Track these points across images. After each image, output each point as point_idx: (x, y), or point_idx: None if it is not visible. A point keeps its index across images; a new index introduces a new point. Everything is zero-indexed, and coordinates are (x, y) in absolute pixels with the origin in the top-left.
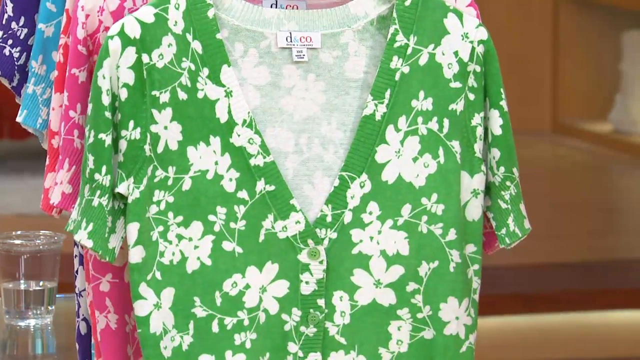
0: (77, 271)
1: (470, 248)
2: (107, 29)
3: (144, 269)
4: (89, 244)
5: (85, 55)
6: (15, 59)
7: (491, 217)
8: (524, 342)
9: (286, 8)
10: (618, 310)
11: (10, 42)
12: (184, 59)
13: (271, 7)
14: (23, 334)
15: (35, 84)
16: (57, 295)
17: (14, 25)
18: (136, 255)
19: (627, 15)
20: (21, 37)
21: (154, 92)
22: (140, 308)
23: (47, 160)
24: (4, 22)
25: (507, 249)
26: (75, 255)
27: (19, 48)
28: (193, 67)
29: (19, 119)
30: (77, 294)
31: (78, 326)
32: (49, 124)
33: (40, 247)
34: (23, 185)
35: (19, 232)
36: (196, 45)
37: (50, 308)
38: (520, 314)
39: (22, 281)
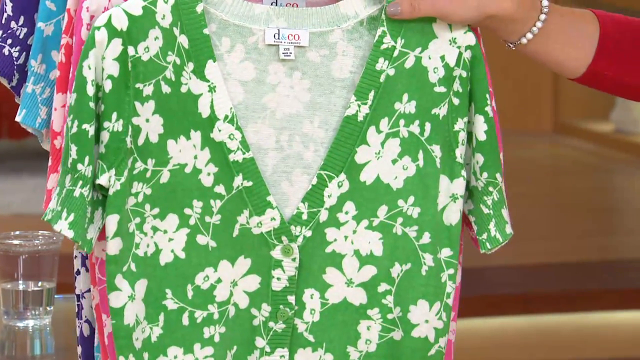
0: (77, 272)
1: (446, 252)
2: None
3: (121, 260)
4: (70, 234)
5: None
6: (14, 58)
7: (473, 222)
8: (524, 343)
9: (286, 6)
10: (619, 310)
11: (9, 41)
12: (169, 52)
13: (271, 4)
14: (21, 335)
15: (34, 83)
16: (55, 296)
17: (13, 24)
18: (114, 247)
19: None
20: (20, 37)
21: (137, 85)
22: (115, 299)
23: (50, 161)
24: (3, 21)
25: (488, 253)
26: (75, 256)
27: (18, 47)
28: (178, 61)
29: (18, 118)
30: (78, 295)
31: (81, 328)
32: (51, 124)
33: (39, 247)
34: (22, 185)
35: (17, 232)
36: (183, 40)
37: (48, 309)
38: (521, 314)
39: (20, 281)
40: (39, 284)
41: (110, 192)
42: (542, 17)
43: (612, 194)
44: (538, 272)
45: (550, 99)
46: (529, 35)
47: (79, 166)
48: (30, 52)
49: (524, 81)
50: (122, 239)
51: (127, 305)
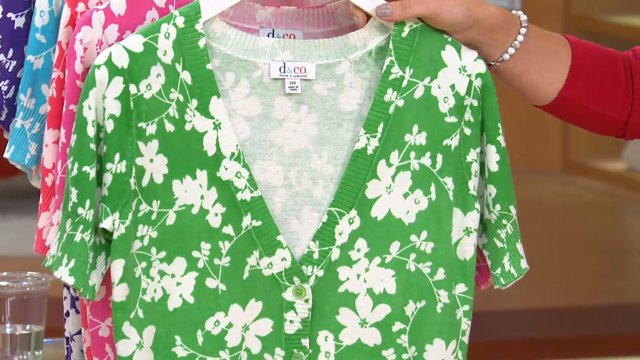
0: (66, 314)
1: (461, 288)
2: None
3: (127, 307)
4: (71, 281)
5: None
6: (3, 92)
7: (487, 256)
8: None
9: (283, 37)
10: (632, 357)
11: None
12: (172, 89)
13: (268, 35)
14: None
15: (23, 118)
16: (44, 340)
17: (1, 57)
18: (120, 293)
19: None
20: (9, 70)
21: (140, 124)
22: (124, 348)
23: (41, 199)
24: None
25: (502, 289)
26: (65, 297)
27: (7, 81)
28: (182, 98)
29: (6, 155)
30: (68, 338)
31: None
32: (42, 161)
33: (27, 288)
34: (8, 225)
35: (4, 274)
36: (185, 76)
37: (37, 353)
38: None
39: (7, 325)
40: (27, 327)
41: (115, 236)
42: (523, 30)
43: (624, 234)
44: (546, 315)
45: (559, 136)
46: (511, 50)
47: (80, 210)
48: (20, 86)
49: (532, 118)
50: (128, 284)
51: (135, 354)
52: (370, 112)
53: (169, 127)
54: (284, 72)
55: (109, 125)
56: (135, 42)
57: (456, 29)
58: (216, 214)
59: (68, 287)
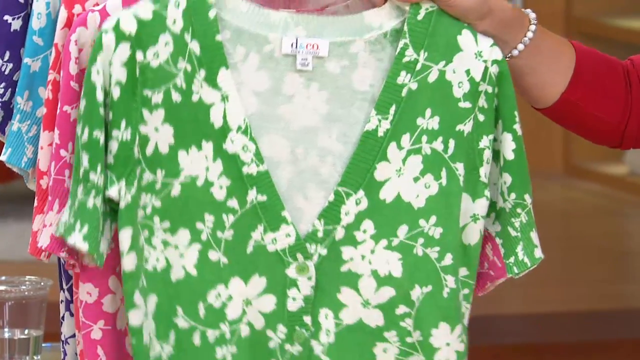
0: (63, 317)
1: (463, 272)
2: None
3: (136, 276)
4: (85, 246)
5: (77, 91)
6: None
7: (500, 244)
8: None
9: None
10: None
11: None
12: (180, 59)
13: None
14: None
15: (20, 121)
16: (43, 344)
17: None
18: (130, 262)
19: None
20: (6, 73)
21: (145, 92)
22: (135, 317)
23: (35, 201)
24: None
25: (515, 278)
26: (62, 301)
27: (3, 84)
28: (189, 69)
29: (2, 158)
30: (63, 341)
31: None
32: (37, 163)
33: (26, 293)
34: (6, 230)
35: (3, 278)
36: (194, 46)
37: (35, 358)
38: None
39: (6, 329)
40: (26, 331)
41: (122, 205)
42: (532, 27)
43: (626, 239)
44: (549, 320)
45: (561, 139)
46: (520, 46)
47: (92, 175)
48: (17, 89)
49: (533, 122)
50: (136, 253)
51: (144, 324)
52: (382, 93)
53: (176, 97)
54: (296, 47)
55: (116, 92)
56: (145, 9)
57: (470, 17)
58: (221, 187)
59: (64, 290)
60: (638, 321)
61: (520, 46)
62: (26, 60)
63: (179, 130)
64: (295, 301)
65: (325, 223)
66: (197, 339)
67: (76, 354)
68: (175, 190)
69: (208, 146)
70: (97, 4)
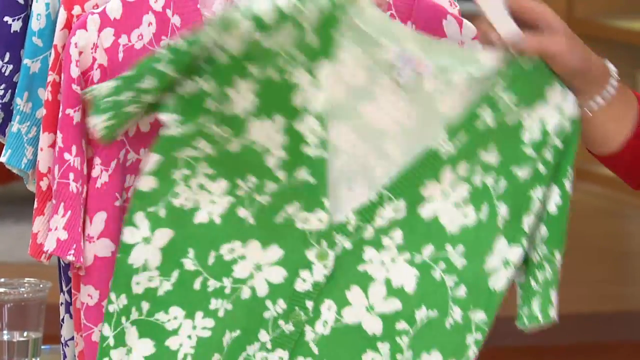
0: (62, 319)
1: (480, 316)
2: (100, 66)
3: (149, 199)
4: (101, 132)
5: (79, 94)
6: None
7: (519, 295)
8: None
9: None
10: None
11: None
12: (301, 42)
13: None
14: None
15: (20, 122)
16: (42, 347)
17: None
18: (147, 184)
19: (629, 49)
20: (6, 74)
21: (244, 63)
22: (130, 235)
23: (35, 203)
24: None
25: (525, 330)
26: (62, 303)
27: (3, 85)
28: (295, 54)
29: (2, 159)
30: (62, 343)
31: None
32: (36, 165)
33: (25, 295)
34: (6, 231)
35: (1, 280)
36: (312, 39)
37: None
38: None
39: (5, 332)
40: (25, 334)
41: (165, 132)
42: (614, 82)
43: (627, 240)
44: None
45: None
46: (600, 101)
47: (144, 96)
48: (16, 90)
49: None
50: (159, 180)
51: (137, 246)
52: (459, 120)
53: (272, 73)
54: (402, 59)
55: (222, 58)
56: None
57: (568, 77)
58: (277, 157)
59: (64, 292)
60: (638, 323)
61: (600, 100)
62: (26, 61)
63: (262, 102)
64: (304, 282)
65: (358, 219)
66: (197, 284)
67: (75, 355)
68: (233, 146)
69: (280, 120)
70: (97, 5)
